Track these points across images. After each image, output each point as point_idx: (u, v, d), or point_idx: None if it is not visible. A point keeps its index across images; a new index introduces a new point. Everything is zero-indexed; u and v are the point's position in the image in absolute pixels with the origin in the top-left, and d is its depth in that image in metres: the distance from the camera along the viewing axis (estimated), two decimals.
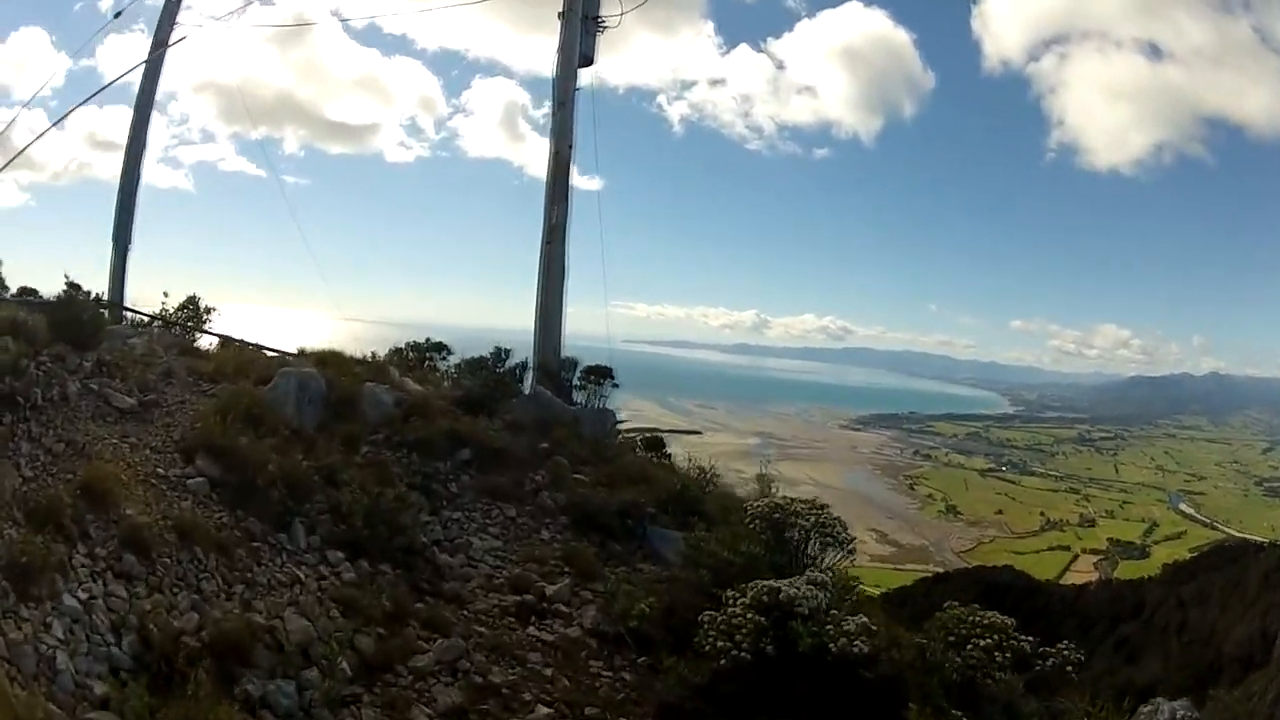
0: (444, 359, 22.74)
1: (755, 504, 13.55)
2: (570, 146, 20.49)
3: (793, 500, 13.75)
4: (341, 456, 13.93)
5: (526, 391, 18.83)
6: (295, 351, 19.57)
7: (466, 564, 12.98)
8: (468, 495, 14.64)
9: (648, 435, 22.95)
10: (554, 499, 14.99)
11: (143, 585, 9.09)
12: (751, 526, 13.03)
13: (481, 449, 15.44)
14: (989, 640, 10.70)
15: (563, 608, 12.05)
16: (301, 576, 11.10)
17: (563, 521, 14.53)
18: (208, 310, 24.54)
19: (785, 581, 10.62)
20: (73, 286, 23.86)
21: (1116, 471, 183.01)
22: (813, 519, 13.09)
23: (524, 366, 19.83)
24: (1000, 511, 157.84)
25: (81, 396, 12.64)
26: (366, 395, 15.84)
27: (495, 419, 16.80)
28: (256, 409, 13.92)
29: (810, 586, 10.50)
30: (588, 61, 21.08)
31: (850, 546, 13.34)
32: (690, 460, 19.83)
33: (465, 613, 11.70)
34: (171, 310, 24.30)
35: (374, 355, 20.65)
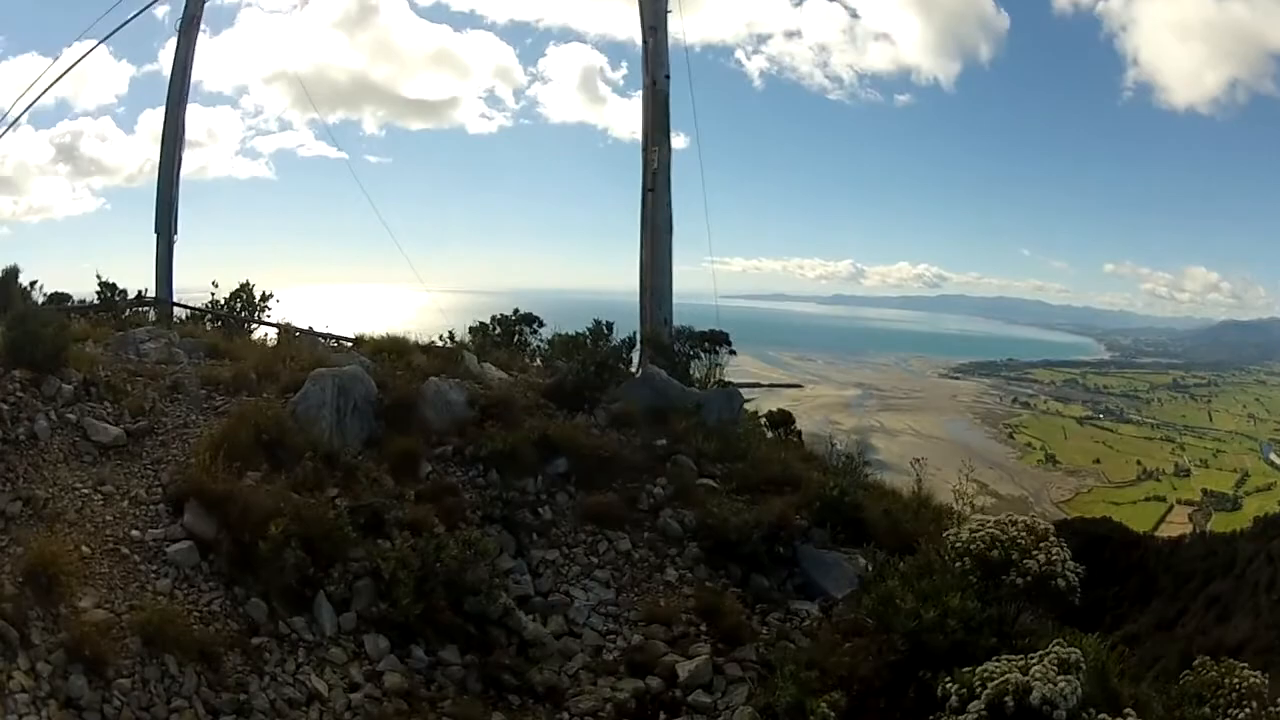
0: (535, 333, 18.79)
1: (962, 533, 9.01)
2: (667, 77, 16.56)
3: (1013, 522, 9.13)
4: (392, 486, 10.20)
5: (635, 372, 14.47)
6: (349, 340, 15.66)
7: (566, 631, 9.25)
8: (565, 523, 10.74)
9: (773, 413, 18.83)
10: (679, 519, 10.95)
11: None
12: (958, 565, 8.50)
13: (581, 456, 11.40)
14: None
15: (702, 697, 8.29)
16: (324, 688, 7.60)
17: (693, 552, 10.55)
18: (265, 297, 20.98)
19: (1032, 672, 6.66)
20: (106, 286, 20.71)
21: (1210, 419, 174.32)
22: (1044, 558, 8.56)
23: (629, 342, 15.54)
24: (1098, 460, 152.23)
25: (55, 432, 9.62)
26: (430, 395, 11.85)
27: (598, 412, 12.70)
28: (276, 429, 10.15)
29: (1063, 676, 6.59)
30: None
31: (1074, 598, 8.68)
32: (830, 442, 15.46)
33: (564, 717, 8.05)
34: (222, 300, 20.77)
35: (450, 336, 16.64)
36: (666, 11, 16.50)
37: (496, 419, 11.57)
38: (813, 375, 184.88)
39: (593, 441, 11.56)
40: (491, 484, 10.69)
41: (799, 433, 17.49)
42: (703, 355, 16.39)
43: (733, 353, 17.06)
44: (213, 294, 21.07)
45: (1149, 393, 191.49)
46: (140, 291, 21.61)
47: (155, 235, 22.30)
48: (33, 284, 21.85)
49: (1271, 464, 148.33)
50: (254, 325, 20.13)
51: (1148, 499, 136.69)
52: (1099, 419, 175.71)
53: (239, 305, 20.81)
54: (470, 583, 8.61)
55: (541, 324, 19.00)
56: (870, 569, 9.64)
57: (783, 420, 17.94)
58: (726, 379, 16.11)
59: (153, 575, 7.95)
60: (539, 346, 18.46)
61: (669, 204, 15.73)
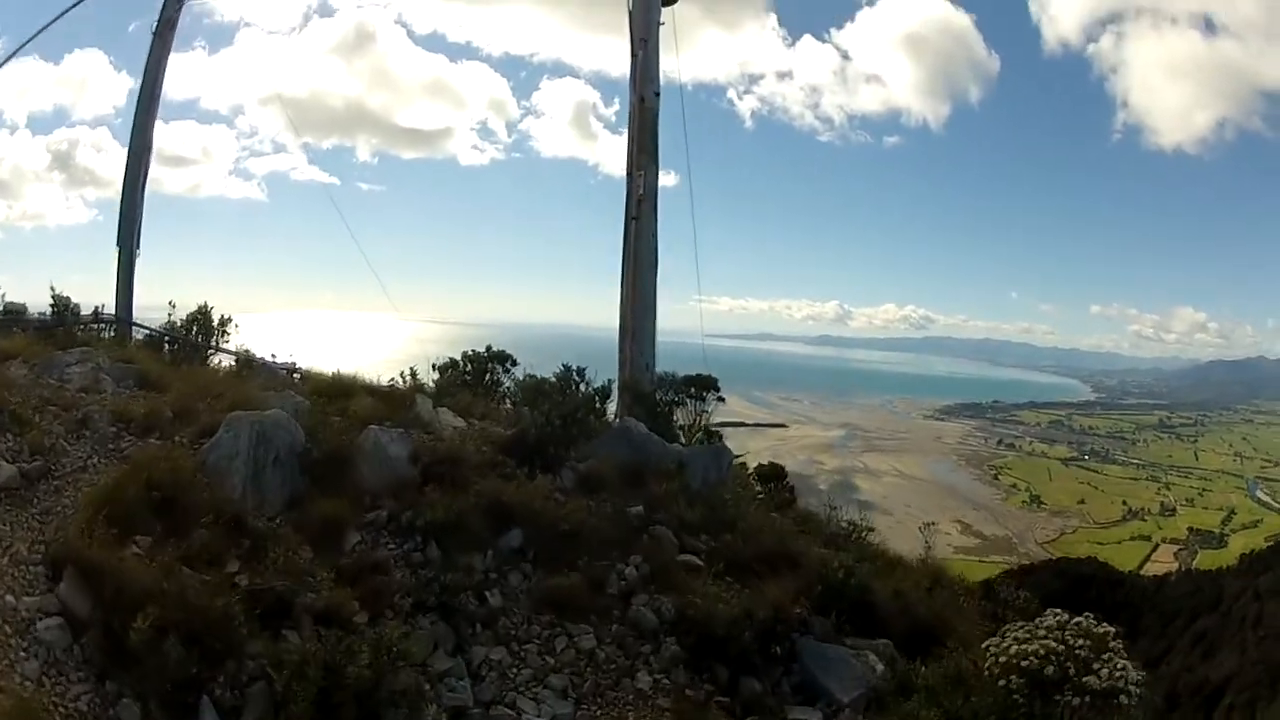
0: (508, 371, 16.95)
1: (1007, 644, 7.20)
2: (657, 94, 14.78)
3: (1067, 624, 7.34)
4: (310, 560, 8.30)
5: (612, 422, 12.59)
6: (290, 371, 13.87)
7: None
8: (517, 611, 8.84)
9: (764, 467, 17.15)
10: (655, 607, 9.07)
11: None
12: (1001, 684, 6.72)
13: (541, 528, 9.52)
14: None
15: None
16: None
17: (670, 651, 8.63)
18: (224, 322, 19.06)
19: None
20: (60, 301, 18.90)
21: (1196, 458, 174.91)
22: (1106, 673, 6.80)
23: (604, 391, 13.45)
24: (1083, 501, 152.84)
25: None
26: (368, 447, 10.00)
27: (564, 471, 10.79)
28: (175, 484, 8.24)
29: None
30: None
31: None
32: (827, 504, 13.64)
33: None
34: (178, 322, 18.91)
35: (411, 374, 14.81)
36: (659, 23, 14.82)
37: (442, 479, 9.67)
38: (798, 416, 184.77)
39: (555, 510, 9.67)
40: (430, 561, 8.78)
41: (791, 489, 15.78)
42: (688, 402, 14.59)
43: (721, 399, 15.35)
44: (169, 315, 19.19)
45: (1135, 433, 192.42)
46: (96, 309, 19.76)
47: (116, 249, 20.53)
48: None
49: (1258, 501, 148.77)
50: (210, 352, 18.23)
51: (1133, 538, 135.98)
52: (1084, 460, 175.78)
53: (195, 329, 18.95)
54: (388, 695, 6.68)
55: (515, 363, 17.16)
56: (887, 675, 7.86)
57: (774, 475, 16.26)
58: (714, 428, 14.31)
59: (22, 654, 6.33)
60: (510, 388, 16.72)
61: (654, 234, 13.94)
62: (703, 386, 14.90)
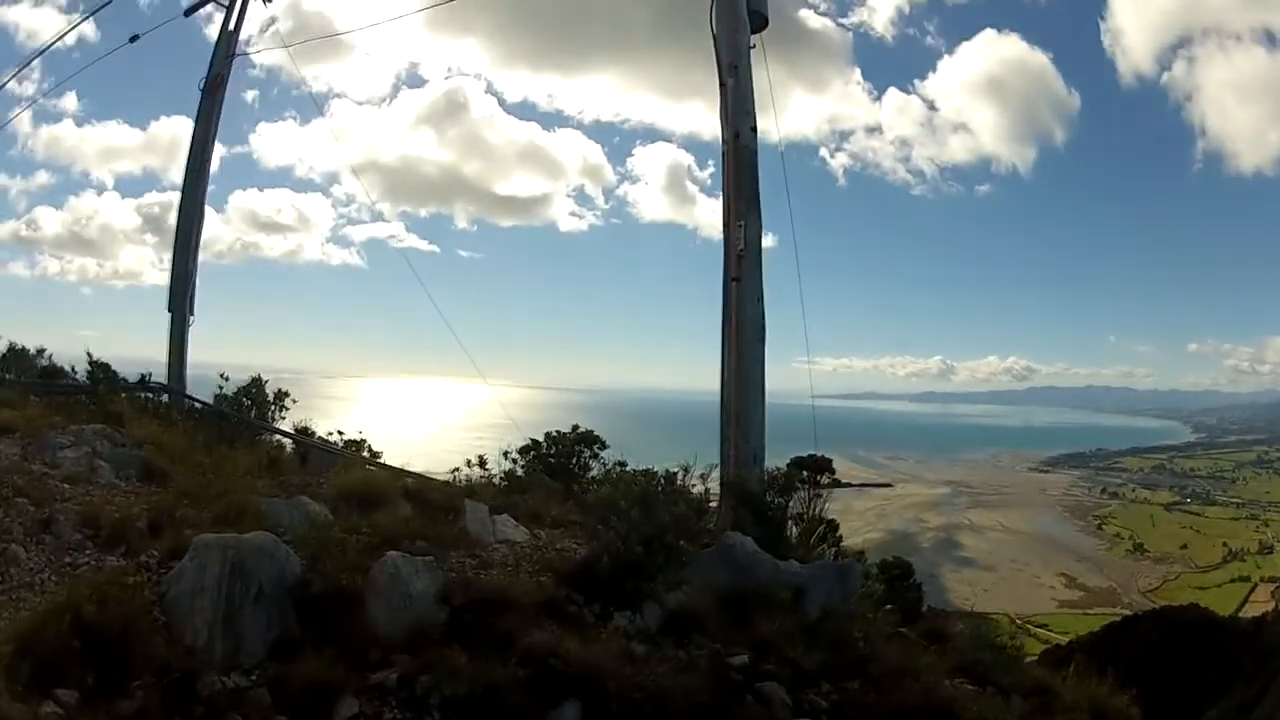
0: (596, 455, 14.70)
1: None
2: (753, 129, 11.77)
3: None
4: None
5: (710, 524, 9.82)
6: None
7: None
8: None
9: (887, 562, 14.47)
10: None
11: None
12: None
13: (607, 697, 6.69)
14: None
15: None
16: None
17: None
18: (280, 396, 16.87)
19: None
20: (98, 367, 17.09)
21: None
22: None
23: (697, 505, 9.88)
24: (1185, 546, 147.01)
25: None
26: (382, 581, 7.30)
27: (647, 608, 7.96)
28: (124, 624, 6.13)
29: None
30: (761, 20, 12.43)
31: None
32: (968, 610, 10.89)
33: None
34: (229, 394, 16.82)
35: (480, 462, 12.48)
36: (749, 47, 12.05)
37: (476, 630, 6.97)
38: (904, 474, 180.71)
39: (628, 670, 6.89)
40: None
41: (918, 587, 12.98)
42: (800, 486, 11.76)
43: (835, 481, 12.62)
44: (220, 388, 17.09)
45: (1234, 471, 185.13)
46: (143, 376, 17.82)
47: (169, 314, 18.81)
48: (40, 352, 18.61)
49: None
50: (261, 431, 16.04)
51: (1233, 580, 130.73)
52: (1186, 503, 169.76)
53: (248, 404, 16.80)
54: None
55: (604, 445, 14.81)
56: None
57: (898, 570, 13.48)
58: (834, 534, 11.51)
59: None
60: (592, 484, 14.34)
61: (760, 299, 11.09)
62: (816, 469, 12.11)
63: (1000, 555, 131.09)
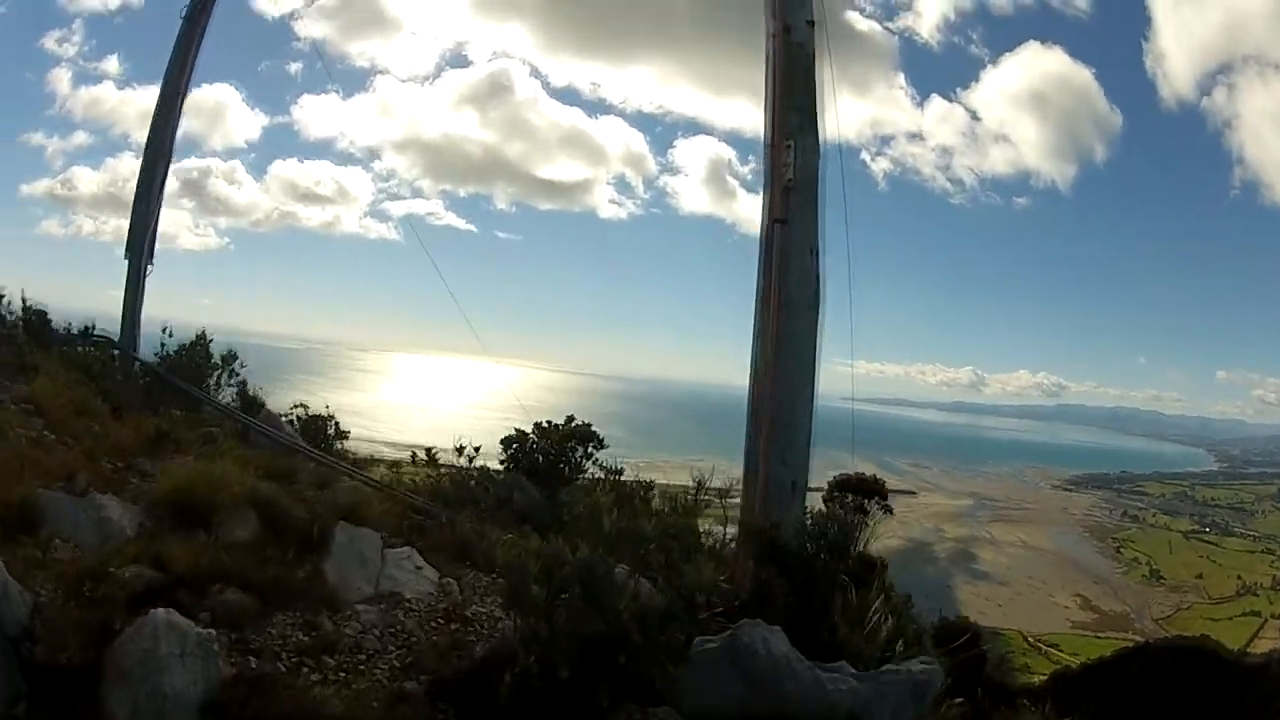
0: (590, 456, 11.72)
1: None
2: (811, 23, 7.73)
3: None
4: None
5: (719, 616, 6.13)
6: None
7: None
8: None
9: (947, 623, 11.16)
10: None
11: None
12: None
13: None
14: None
15: None
16: None
17: None
18: (228, 359, 13.82)
19: None
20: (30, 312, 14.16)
21: None
22: None
23: (690, 598, 6.13)
24: (1200, 575, 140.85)
25: None
26: (129, 660, 3.89)
27: None
28: None
29: None
30: None
31: None
32: None
33: None
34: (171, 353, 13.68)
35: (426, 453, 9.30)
36: None
37: None
38: (927, 483, 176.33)
39: None
40: None
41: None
42: (843, 510, 8.15)
43: (888, 511, 9.15)
44: (162, 345, 13.87)
45: (1254, 504, 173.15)
46: (87, 326, 14.79)
47: (125, 260, 15.46)
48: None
49: None
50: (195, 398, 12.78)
51: (1244, 614, 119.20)
52: (1205, 532, 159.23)
53: (195, 361, 13.54)
54: None
55: (602, 444, 11.82)
56: None
57: (960, 637, 10.02)
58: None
59: None
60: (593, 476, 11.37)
61: (815, 250, 7.18)
62: (867, 492, 8.59)
63: (1017, 571, 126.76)
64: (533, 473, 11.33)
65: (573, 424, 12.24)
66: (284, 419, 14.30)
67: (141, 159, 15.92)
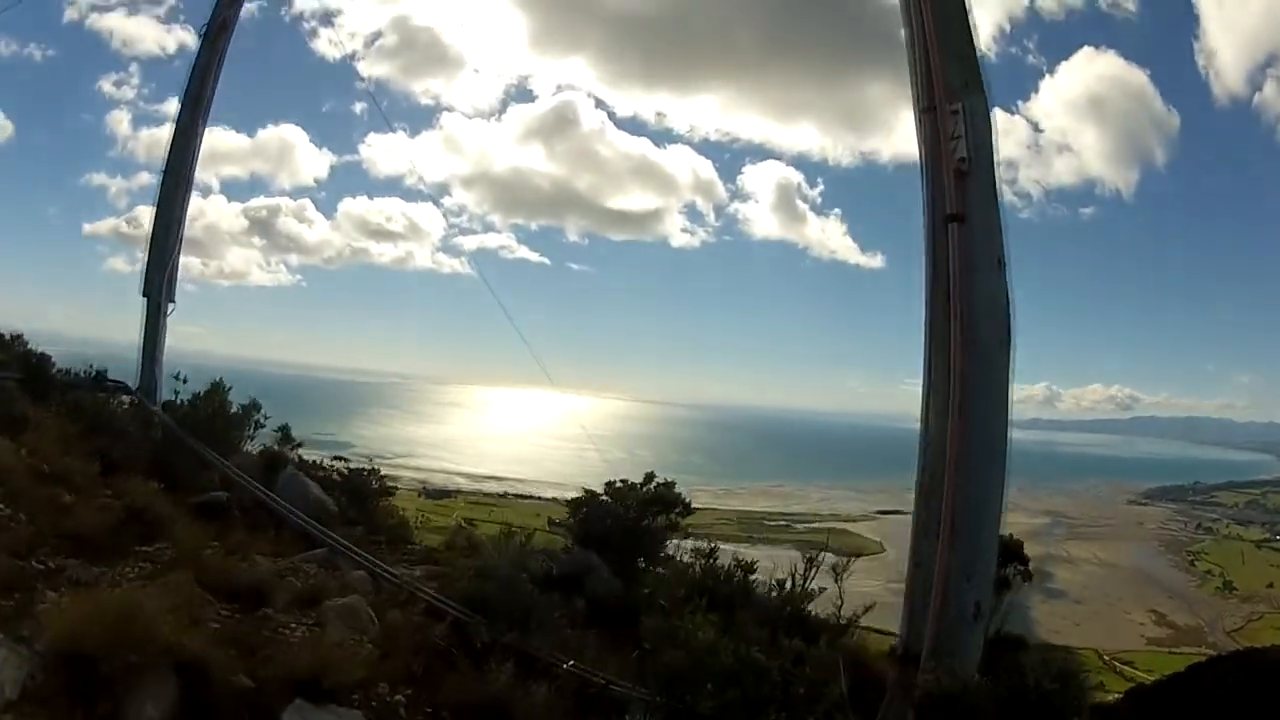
0: (676, 523, 10.23)
1: None
2: None
3: None
4: None
5: None
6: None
7: None
8: None
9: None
10: None
11: None
12: None
13: None
14: None
15: None
16: None
17: None
18: (250, 409, 11.96)
19: None
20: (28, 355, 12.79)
21: None
22: None
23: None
24: (1271, 585, 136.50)
25: None
26: None
27: None
28: None
29: None
30: None
31: None
32: None
33: None
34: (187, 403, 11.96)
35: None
36: None
37: None
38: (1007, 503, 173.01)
39: None
40: None
41: None
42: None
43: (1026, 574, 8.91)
44: (176, 393, 12.17)
45: None
46: (99, 373, 13.62)
47: (144, 299, 13.92)
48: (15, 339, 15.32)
49: None
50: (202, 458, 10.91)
51: None
52: (1275, 541, 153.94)
53: (208, 414, 11.69)
54: None
55: (689, 509, 10.32)
56: None
57: None
58: None
59: None
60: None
61: (1001, 260, 5.15)
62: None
63: (1093, 589, 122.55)
64: (606, 544, 9.27)
65: (653, 483, 10.18)
66: (321, 470, 12.58)
67: (159, 189, 14.36)
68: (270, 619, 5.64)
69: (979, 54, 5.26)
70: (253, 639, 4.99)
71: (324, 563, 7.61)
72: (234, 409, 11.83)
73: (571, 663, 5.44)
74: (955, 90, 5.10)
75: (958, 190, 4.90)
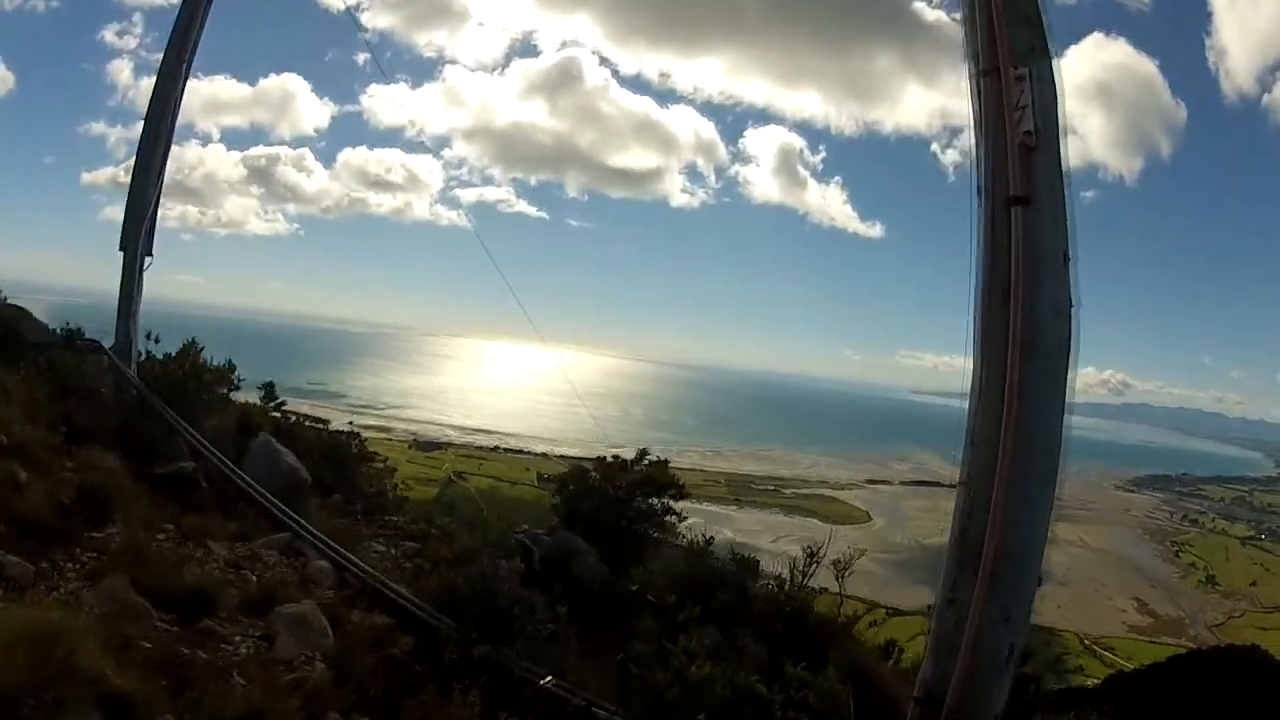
0: (670, 507, 9.74)
1: None
2: None
3: None
4: None
5: None
6: None
7: None
8: None
9: None
10: None
11: None
12: None
13: None
14: None
15: None
16: None
17: None
18: (225, 371, 11.28)
19: None
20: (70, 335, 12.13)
21: None
22: None
23: None
24: (1254, 583, 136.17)
25: None
26: None
27: None
28: None
29: None
30: None
31: None
32: None
33: None
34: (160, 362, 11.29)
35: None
36: None
37: None
38: None
39: None
40: None
41: None
42: None
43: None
44: (147, 352, 11.46)
45: None
46: (72, 332, 12.98)
47: (120, 252, 12.95)
48: None
49: None
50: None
51: None
52: (1260, 539, 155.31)
53: (180, 376, 10.98)
54: None
55: (682, 492, 9.87)
56: None
57: None
58: None
59: None
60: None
61: (1067, 256, 4.46)
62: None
63: (1077, 572, 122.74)
64: (592, 525, 8.70)
65: (645, 460, 9.56)
66: (303, 427, 12.00)
67: (139, 141, 13.55)
68: (212, 634, 5.07)
69: (1040, 12, 4.56)
70: (188, 666, 4.38)
71: (287, 549, 7.02)
72: (210, 366, 11.21)
73: (550, 678, 4.89)
74: (1020, 52, 4.38)
75: (1022, 168, 4.25)
